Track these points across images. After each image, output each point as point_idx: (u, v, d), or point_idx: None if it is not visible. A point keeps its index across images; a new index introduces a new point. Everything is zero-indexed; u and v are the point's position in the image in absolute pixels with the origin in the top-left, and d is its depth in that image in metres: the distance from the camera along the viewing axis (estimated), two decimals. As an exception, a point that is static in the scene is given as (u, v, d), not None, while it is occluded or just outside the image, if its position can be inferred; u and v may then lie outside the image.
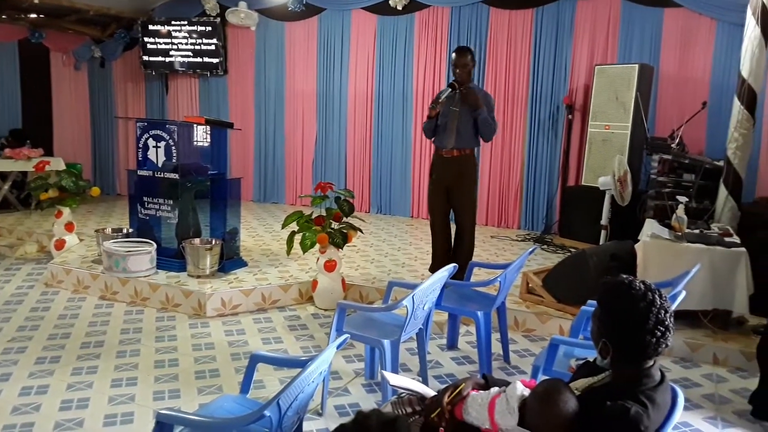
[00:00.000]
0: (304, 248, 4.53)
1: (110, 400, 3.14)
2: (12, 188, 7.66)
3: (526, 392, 1.79)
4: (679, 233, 4.07)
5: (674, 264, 3.77)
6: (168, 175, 4.90)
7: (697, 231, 4.23)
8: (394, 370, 2.98)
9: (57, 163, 7.12)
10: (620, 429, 1.60)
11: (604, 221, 5.53)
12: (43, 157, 7.09)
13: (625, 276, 1.73)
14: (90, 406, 3.06)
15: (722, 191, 4.96)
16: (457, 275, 3.29)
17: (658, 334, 1.64)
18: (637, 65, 6.01)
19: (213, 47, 8.51)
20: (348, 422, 1.49)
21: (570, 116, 6.76)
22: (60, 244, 5.64)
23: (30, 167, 7.02)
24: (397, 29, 7.65)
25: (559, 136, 6.97)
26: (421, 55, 7.56)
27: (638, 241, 4.16)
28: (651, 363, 1.70)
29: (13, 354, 3.67)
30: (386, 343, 2.98)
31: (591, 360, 1.91)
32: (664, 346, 1.66)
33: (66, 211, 5.69)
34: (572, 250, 5.98)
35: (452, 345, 4.00)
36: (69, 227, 5.73)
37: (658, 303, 1.65)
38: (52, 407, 3.04)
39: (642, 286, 1.68)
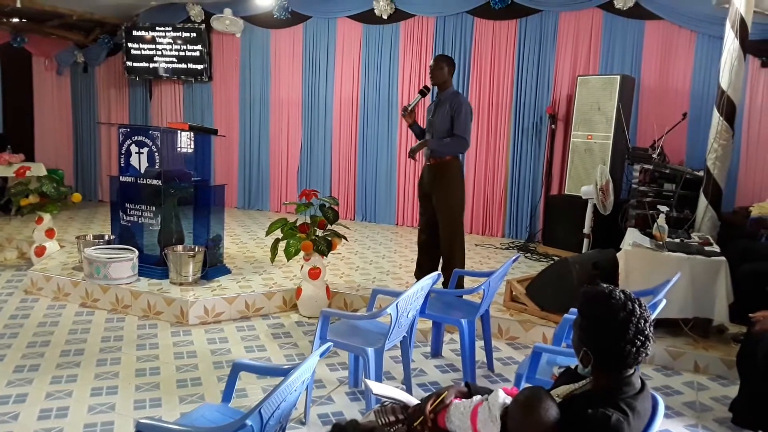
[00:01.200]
0: (289, 256, 4.52)
1: (90, 409, 3.09)
2: (-9, 194, 7.55)
3: (508, 400, 1.80)
4: (660, 242, 4.12)
5: (655, 272, 3.81)
6: (151, 181, 4.87)
7: (677, 240, 4.29)
8: (378, 379, 2.98)
9: (38, 169, 7.03)
10: (601, 437, 1.61)
11: (586, 230, 5.58)
12: (23, 163, 7.01)
13: (605, 285, 1.75)
14: (69, 416, 3.01)
15: (702, 201, 5.03)
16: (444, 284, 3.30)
17: (638, 343, 1.65)
18: (618, 76, 6.10)
19: (198, 53, 8.48)
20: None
21: (553, 126, 6.83)
22: (40, 251, 5.56)
23: (10, 172, 6.91)
24: (382, 38, 7.69)
25: (543, 145, 7.03)
26: (407, 64, 7.60)
27: (620, 249, 4.20)
28: (631, 371, 1.72)
29: (-9, 362, 3.61)
30: (370, 351, 2.97)
31: (572, 367, 1.92)
32: (644, 355, 1.68)
33: (47, 217, 5.62)
34: (555, 258, 6.02)
35: (436, 353, 4.00)
36: (49, 234, 5.66)
37: (638, 312, 1.67)
38: (30, 416, 2.99)
39: (622, 295, 1.69)
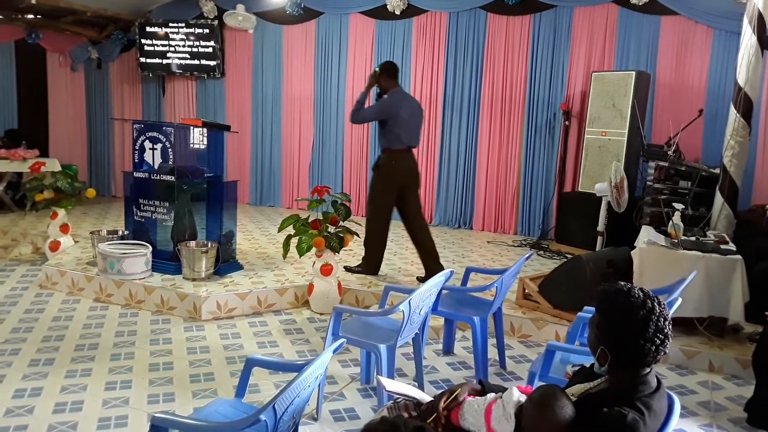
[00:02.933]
0: (301, 252, 4.52)
1: (104, 403, 3.12)
2: (7, 189, 7.63)
3: (523, 398, 1.79)
4: (675, 240, 4.09)
5: (670, 271, 3.78)
6: (164, 177, 4.89)
7: (693, 238, 4.24)
8: (390, 375, 2.97)
9: (53, 165, 7.10)
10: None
11: (600, 227, 5.54)
12: (38, 158, 7.08)
13: (623, 283, 1.73)
14: (84, 409, 3.04)
15: (718, 199, 4.98)
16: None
17: (657, 341, 1.64)
18: (633, 72, 6.04)
19: (210, 50, 8.51)
20: (374, 426, 1.43)
21: (567, 122, 6.78)
22: (55, 246, 5.61)
23: (25, 168, 6.99)
24: (395, 34, 7.67)
25: (556, 142, 6.99)
26: (419, 60, 7.58)
27: (634, 247, 4.16)
28: (648, 370, 1.70)
29: (7, 356, 3.64)
30: (382, 347, 2.97)
31: (587, 366, 1.90)
32: (662, 353, 1.66)
33: (61, 212, 5.67)
34: (568, 256, 5.99)
35: (448, 350, 3.99)
36: (64, 229, 5.71)
37: (657, 311, 1.65)
38: (45, 410, 3.02)
39: (641, 293, 1.68)
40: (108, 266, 4.71)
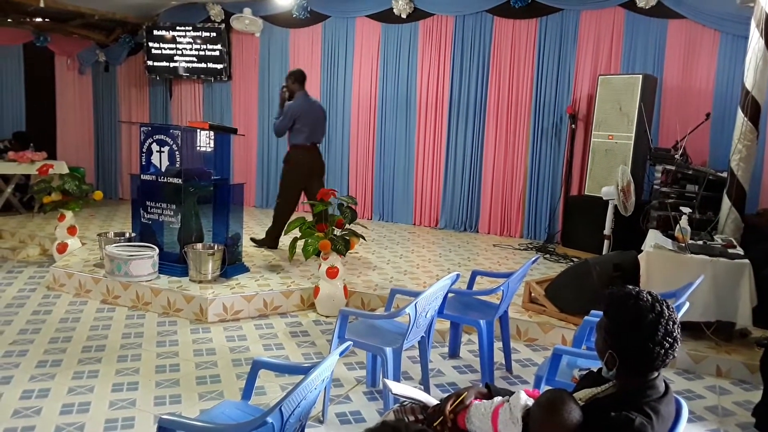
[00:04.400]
0: (307, 255, 4.53)
1: (111, 404, 3.13)
2: (15, 191, 7.66)
3: (530, 402, 1.78)
4: (683, 244, 4.07)
5: (677, 275, 3.76)
6: (171, 179, 4.91)
7: (700, 242, 4.22)
8: (396, 378, 2.97)
9: (60, 167, 7.13)
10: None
11: (607, 231, 5.52)
12: (46, 161, 7.11)
13: (631, 287, 1.72)
14: (91, 411, 3.05)
15: (725, 202, 4.96)
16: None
17: (667, 345, 1.63)
18: (640, 76, 6.02)
19: (217, 53, 8.54)
20: (375, 430, 1.43)
21: (573, 126, 6.77)
22: (62, 248, 5.64)
23: (33, 170, 7.02)
24: (401, 37, 7.68)
25: (563, 145, 6.98)
26: (425, 63, 7.58)
27: (641, 251, 4.15)
28: (656, 374, 1.70)
29: (15, 357, 3.66)
30: (388, 350, 2.97)
31: (594, 370, 1.90)
32: (671, 357, 1.65)
33: (69, 214, 5.69)
34: (575, 259, 5.97)
35: (454, 353, 3.99)
36: (71, 231, 5.73)
37: (667, 314, 1.64)
38: (53, 411, 3.03)
39: (649, 297, 1.67)
40: (115, 268, 4.73)
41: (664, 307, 1.65)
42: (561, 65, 6.90)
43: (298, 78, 5.91)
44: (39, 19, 8.33)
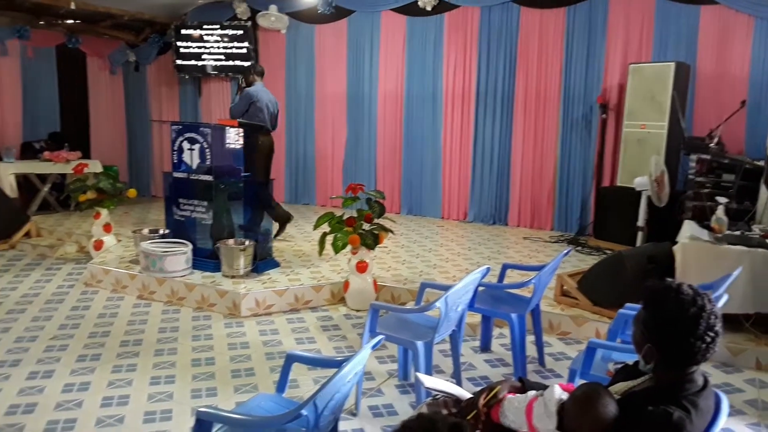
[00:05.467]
0: (336, 249, 4.56)
1: (149, 397, 3.20)
2: (51, 190, 7.86)
3: (565, 396, 1.77)
4: (719, 235, 3.98)
5: (714, 266, 3.69)
6: (202, 177, 4.98)
7: (737, 232, 4.12)
8: (428, 372, 2.98)
9: (95, 166, 7.29)
10: (663, 435, 1.57)
11: (640, 223, 5.43)
12: (81, 160, 7.27)
13: (671, 280, 1.69)
14: (130, 403, 3.13)
15: (763, 191, 4.83)
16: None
17: (708, 339, 1.60)
18: (673, 63, 5.90)
19: (244, 51, 8.62)
20: (411, 422, 1.43)
21: (604, 116, 6.66)
22: (99, 245, 5.77)
23: (69, 170, 7.19)
24: (426, 30, 7.65)
25: (593, 136, 6.87)
26: (451, 56, 7.54)
27: (676, 242, 4.07)
28: (695, 368, 1.67)
29: (56, 352, 3.77)
30: (419, 344, 2.98)
31: (630, 364, 1.87)
32: (712, 351, 1.62)
33: (104, 212, 5.82)
34: (607, 252, 5.89)
35: (485, 347, 3.97)
36: (107, 228, 5.87)
37: (708, 308, 1.61)
38: (93, 404, 3.12)
39: (690, 290, 1.63)
40: (150, 264, 4.83)
41: (706, 301, 1.62)
42: (590, 54, 6.79)
43: (258, 71, 6.55)
44: (70, 21, 8.50)
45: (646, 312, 1.69)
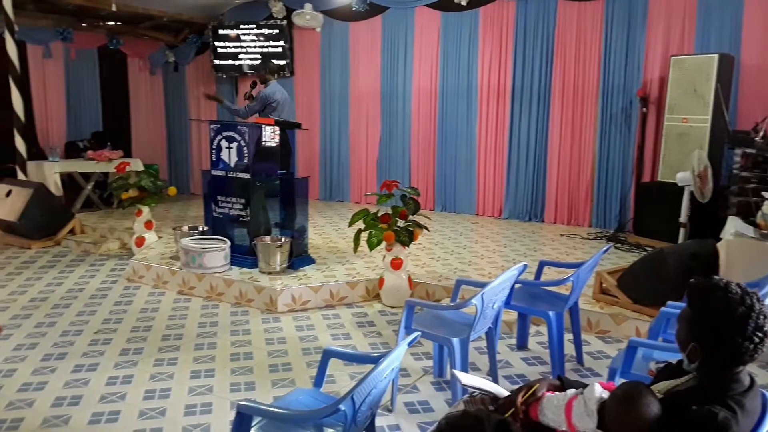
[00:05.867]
0: (371, 246, 4.57)
1: (190, 390, 3.27)
2: (95, 188, 8.09)
3: (605, 394, 1.74)
4: (765, 231, 3.86)
5: (760, 264, 3.57)
6: (240, 174, 5.06)
7: (785, 229, 3.99)
8: (464, 369, 2.97)
9: (136, 164, 7.47)
10: (707, 435, 1.53)
11: (682, 219, 5.30)
12: (122, 159, 7.45)
13: (718, 278, 1.64)
14: (171, 396, 3.21)
15: (813, 186, 4.66)
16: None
17: (756, 340, 1.55)
18: (716, 55, 5.73)
19: (280, 49, 8.71)
20: (457, 419, 1.43)
21: (644, 109, 6.51)
22: (140, 241, 5.92)
23: (111, 168, 7.39)
24: (461, 25, 7.59)
25: (633, 130, 6.73)
26: (486, 50, 7.47)
27: (720, 239, 3.96)
28: (741, 368, 1.62)
29: (100, 345, 3.88)
30: (455, 341, 2.97)
31: (674, 362, 1.83)
32: (761, 351, 1.57)
33: (145, 209, 5.97)
34: (648, 249, 5.76)
35: (522, 345, 3.94)
36: (148, 225, 6.01)
37: (757, 308, 1.56)
38: (136, 396, 3.20)
39: (738, 289, 1.59)
40: (190, 260, 4.93)
41: (755, 300, 1.57)
42: (630, 47, 6.65)
43: (273, 70, 6.84)
44: (111, 23, 8.72)
45: (691, 310, 1.65)
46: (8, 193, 6.44)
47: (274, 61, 8.23)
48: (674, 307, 2.79)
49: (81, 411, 3.03)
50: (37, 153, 7.90)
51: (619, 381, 2.44)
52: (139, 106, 9.66)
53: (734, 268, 3.75)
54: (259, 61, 8.84)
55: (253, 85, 6.72)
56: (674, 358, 1.85)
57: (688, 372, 1.70)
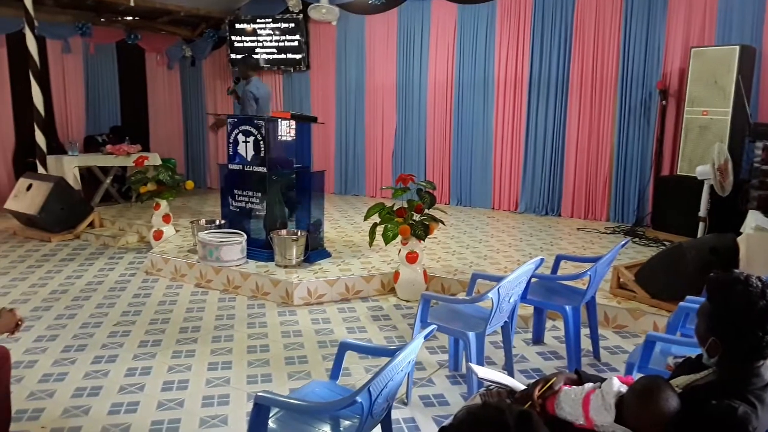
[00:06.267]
0: (386, 240, 4.57)
1: (207, 382, 3.31)
2: (113, 182, 8.17)
3: (623, 388, 1.73)
4: (788, 225, 3.79)
5: (782, 258, 3.52)
6: (256, 168, 5.08)
7: (808, 223, 3.92)
8: (480, 363, 2.96)
9: (154, 158, 7.53)
10: (726, 429, 1.51)
11: (702, 213, 5.24)
12: (141, 153, 7.53)
13: (738, 272, 1.62)
14: (189, 388, 3.24)
15: (837, 180, 4.57)
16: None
17: None
18: (737, 47, 5.63)
19: (296, 43, 8.72)
20: (478, 411, 1.42)
21: (664, 102, 6.42)
22: (158, 235, 5.98)
23: (129, 162, 7.46)
24: (477, 17, 7.55)
25: (652, 123, 6.64)
26: (503, 42, 7.41)
27: (740, 233, 3.91)
28: (762, 362, 1.60)
29: (119, 337, 3.93)
30: (471, 335, 2.96)
31: (692, 357, 1.82)
32: (782, 346, 1.55)
33: (163, 203, 6.02)
34: (667, 243, 5.70)
35: (538, 339, 3.92)
36: (166, 219, 6.07)
37: None
38: (155, 388, 3.24)
39: (759, 283, 1.57)
40: (207, 254, 4.97)
41: (775, 295, 1.55)
42: (650, 38, 6.56)
43: (253, 65, 6.85)
44: (129, 18, 8.79)
45: (711, 304, 1.63)
46: (29, 187, 6.53)
47: (255, 56, 8.43)
48: (693, 302, 2.76)
49: (101, 402, 3.08)
50: (57, 147, 8.01)
51: (636, 375, 2.42)
52: (156, 101, 9.74)
53: (755, 262, 3.69)
54: (274, 55, 8.88)
55: (236, 81, 6.69)
56: (693, 352, 1.83)
57: (708, 367, 1.69)
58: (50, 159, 7.21)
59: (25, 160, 7.71)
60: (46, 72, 8.07)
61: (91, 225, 6.77)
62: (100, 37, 8.73)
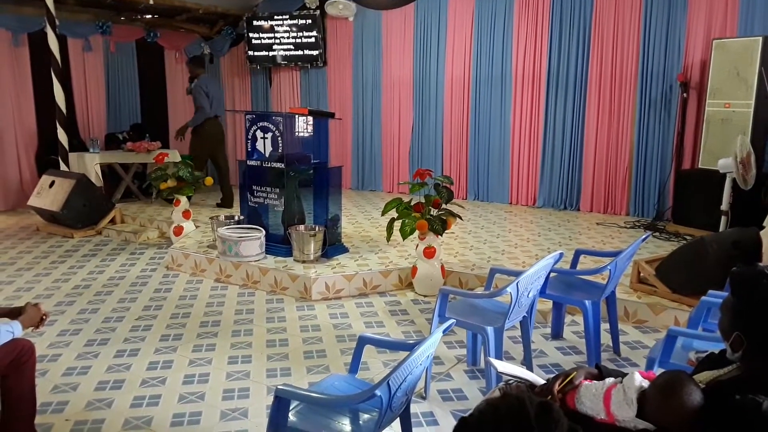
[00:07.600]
0: (404, 235, 4.57)
1: (227, 376, 3.34)
2: (134, 179, 8.27)
3: (645, 383, 1.71)
4: (813, 219, 3.72)
5: (807, 253, 3.46)
6: (274, 164, 5.11)
7: (834, 217, 3.85)
8: (498, 358, 2.96)
9: (174, 155, 7.61)
10: (750, 424, 1.50)
11: (724, 206, 5.16)
12: (161, 150, 7.60)
13: (763, 265, 1.60)
14: (210, 381, 3.28)
15: None
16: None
17: None
18: (760, 38, 5.53)
19: (313, 39, 8.74)
20: (498, 401, 1.41)
21: (685, 95, 6.33)
22: (178, 231, 6.04)
23: (150, 159, 7.55)
24: (495, 11, 7.50)
25: (673, 116, 6.55)
26: (521, 37, 7.36)
27: (763, 227, 3.84)
28: (787, 358, 1.58)
29: (140, 331, 3.99)
30: (490, 330, 2.95)
31: (716, 352, 1.79)
32: (806, 341, 1.53)
33: (183, 199, 6.08)
34: (688, 237, 5.63)
35: (557, 334, 3.90)
36: (186, 215, 6.13)
37: None
38: (176, 381, 3.28)
39: None
40: (227, 249, 5.01)
41: (802, 288, 1.53)
42: (670, 30, 6.46)
43: (198, 63, 7.33)
44: (149, 16, 8.87)
45: (735, 299, 1.61)
46: (51, 184, 6.64)
47: (204, 52, 8.91)
48: (715, 297, 2.73)
49: (123, 395, 3.13)
50: (79, 145, 8.12)
51: (658, 371, 2.40)
52: (175, 98, 9.81)
53: (779, 257, 3.63)
54: (292, 51, 8.91)
55: (191, 80, 7.21)
56: (714, 347, 1.81)
57: (732, 362, 1.66)
58: (72, 156, 7.32)
59: (48, 158, 7.83)
60: (68, 70, 8.18)
61: (112, 221, 6.86)
62: (120, 36, 8.83)
